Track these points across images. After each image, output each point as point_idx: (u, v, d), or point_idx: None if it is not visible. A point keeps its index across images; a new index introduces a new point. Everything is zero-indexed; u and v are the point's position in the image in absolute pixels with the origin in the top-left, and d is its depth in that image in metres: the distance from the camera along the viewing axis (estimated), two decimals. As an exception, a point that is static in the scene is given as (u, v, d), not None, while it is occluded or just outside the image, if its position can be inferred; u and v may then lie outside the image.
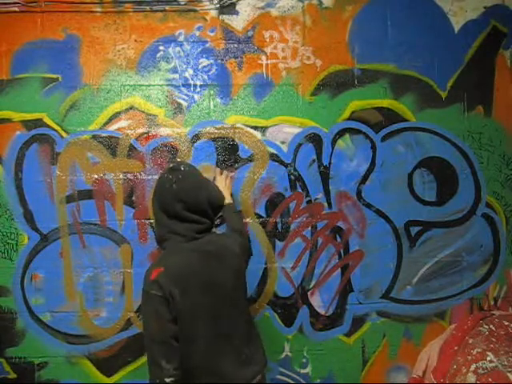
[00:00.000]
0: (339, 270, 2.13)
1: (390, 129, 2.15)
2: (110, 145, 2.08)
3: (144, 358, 2.06)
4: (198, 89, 2.12)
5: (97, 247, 2.07)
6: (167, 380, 1.21)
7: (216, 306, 1.34)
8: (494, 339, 1.89)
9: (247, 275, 1.57)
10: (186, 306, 1.27)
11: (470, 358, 1.85)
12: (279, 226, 2.11)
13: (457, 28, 2.17)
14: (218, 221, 2.02)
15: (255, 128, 2.12)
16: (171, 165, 1.48)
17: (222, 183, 1.94)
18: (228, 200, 1.84)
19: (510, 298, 2.18)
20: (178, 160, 1.52)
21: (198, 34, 2.12)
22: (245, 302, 1.50)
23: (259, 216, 2.10)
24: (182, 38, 2.11)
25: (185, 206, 1.36)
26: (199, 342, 1.30)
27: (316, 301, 2.13)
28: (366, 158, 2.14)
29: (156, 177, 2.07)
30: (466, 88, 2.17)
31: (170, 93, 2.11)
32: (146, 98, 2.10)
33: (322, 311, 2.13)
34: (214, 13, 2.12)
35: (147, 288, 1.28)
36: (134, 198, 2.08)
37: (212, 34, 2.12)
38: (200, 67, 2.12)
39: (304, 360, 2.13)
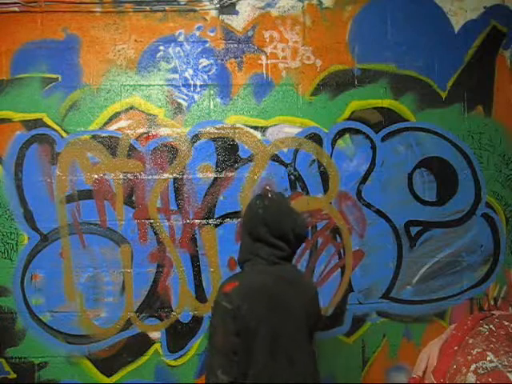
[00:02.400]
0: (339, 269, 2.14)
1: (390, 129, 2.14)
2: (110, 145, 2.08)
3: (144, 358, 2.06)
4: (198, 89, 2.11)
5: (97, 247, 2.07)
6: None
7: (280, 327, 1.35)
8: (493, 339, 1.89)
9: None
10: (250, 323, 1.30)
11: (470, 357, 1.85)
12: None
13: (457, 28, 2.17)
14: None
15: (255, 128, 2.11)
16: (261, 192, 1.55)
17: None
18: None
19: (510, 298, 2.18)
20: (268, 188, 1.59)
21: (198, 34, 2.12)
22: (308, 337, 1.48)
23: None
24: (182, 38, 2.11)
25: (269, 230, 1.40)
26: (257, 358, 1.31)
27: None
28: (366, 158, 2.14)
29: (156, 177, 2.08)
30: (466, 88, 2.16)
31: (170, 93, 2.11)
32: (146, 97, 2.10)
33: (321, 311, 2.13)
34: (213, 13, 2.12)
35: (219, 299, 1.33)
36: (133, 198, 2.08)
37: (212, 34, 2.12)
38: (200, 67, 2.12)
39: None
